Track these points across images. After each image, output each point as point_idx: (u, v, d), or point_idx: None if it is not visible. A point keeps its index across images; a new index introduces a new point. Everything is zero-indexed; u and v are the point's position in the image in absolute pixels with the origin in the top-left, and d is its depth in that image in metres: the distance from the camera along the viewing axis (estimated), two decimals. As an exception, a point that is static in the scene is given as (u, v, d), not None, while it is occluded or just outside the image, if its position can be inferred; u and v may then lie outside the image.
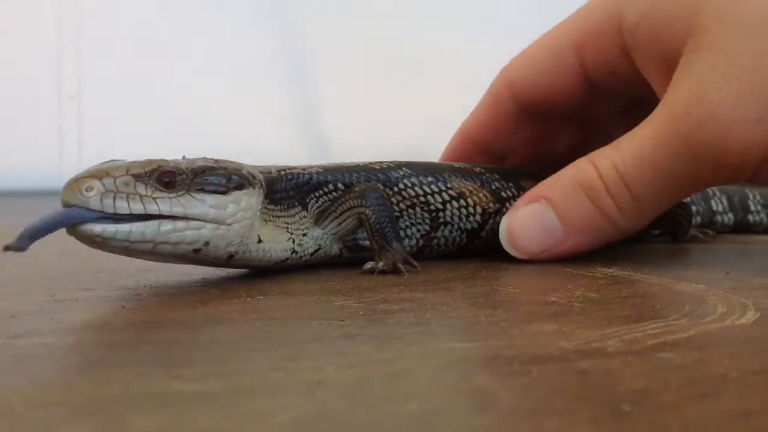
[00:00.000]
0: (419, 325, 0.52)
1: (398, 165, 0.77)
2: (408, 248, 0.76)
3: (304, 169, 0.74)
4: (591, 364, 0.43)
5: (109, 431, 0.33)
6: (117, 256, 0.62)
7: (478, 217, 0.79)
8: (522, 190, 0.81)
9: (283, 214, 0.71)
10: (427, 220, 0.77)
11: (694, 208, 0.93)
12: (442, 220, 0.78)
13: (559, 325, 0.52)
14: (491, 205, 0.80)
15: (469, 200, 0.79)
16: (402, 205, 0.77)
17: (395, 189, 0.76)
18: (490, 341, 0.48)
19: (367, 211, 0.70)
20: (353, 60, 1.70)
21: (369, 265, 0.69)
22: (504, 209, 0.80)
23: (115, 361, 0.43)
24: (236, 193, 0.64)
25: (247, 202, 0.64)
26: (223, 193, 0.63)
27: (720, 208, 0.98)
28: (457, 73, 1.73)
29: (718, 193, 1.00)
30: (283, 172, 0.73)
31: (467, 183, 0.79)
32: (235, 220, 0.63)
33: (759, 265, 0.77)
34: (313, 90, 1.69)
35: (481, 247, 0.80)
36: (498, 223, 0.78)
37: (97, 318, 0.52)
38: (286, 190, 0.72)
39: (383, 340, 0.48)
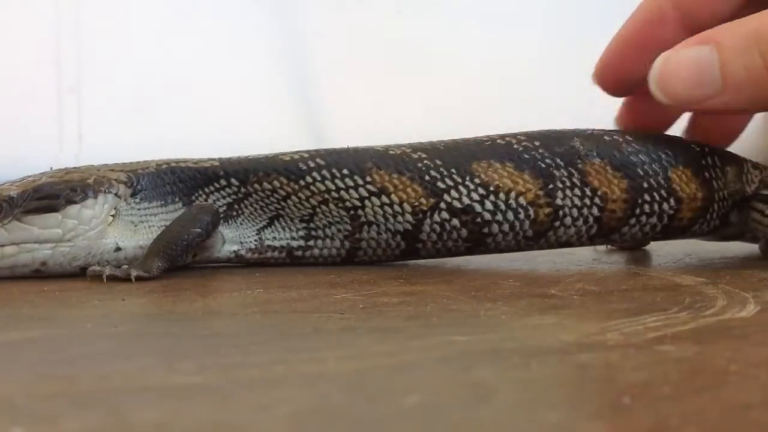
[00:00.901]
0: (419, 318, 0.52)
1: (311, 155, 0.68)
2: (334, 250, 0.68)
3: (195, 163, 0.68)
4: (591, 357, 0.43)
5: (109, 423, 0.33)
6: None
7: (408, 217, 0.67)
8: (471, 174, 0.67)
9: (159, 211, 0.66)
10: (346, 219, 0.67)
11: None
12: (363, 219, 0.67)
13: (559, 318, 0.52)
14: (423, 201, 0.67)
15: (393, 197, 0.67)
16: (312, 201, 0.68)
17: (302, 183, 0.67)
18: (489, 334, 0.48)
19: (174, 225, 0.64)
20: (354, 51, 1.69)
21: (97, 267, 0.63)
22: (443, 203, 0.67)
23: (115, 353, 0.43)
24: (71, 208, 0.62)
25: (90, 213, 0.62)
26: (56, 210, 0.61)
27: None
28: (458, 64, 1.72)
29: None
30: (164, 167, 0.68)
31: (393, 176, 0.67)
32: (75, 235, 0.62)
33: (760, 257, 0.77)
34: (314, 80, 1.69)
35: (432, 252, 0.69)
36: (440, 222, 0.67)
37: (96, 311, 0.52)
38: (165, 185, 0.66)
39: (383, 332, 0.48)
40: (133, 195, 0.65)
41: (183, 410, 0.34)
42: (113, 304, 0.54)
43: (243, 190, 0.67)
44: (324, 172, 0.67)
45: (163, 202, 0.66)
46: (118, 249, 0.64)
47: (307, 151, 0.68)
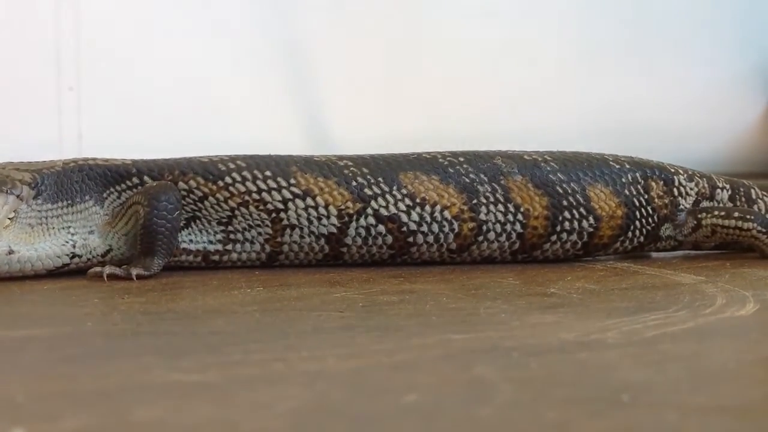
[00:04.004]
0: (419, 317, 0.52)
1: (232, 158, 0.66)
2: (254, 254, 0.66)
3: (106, 161, 0.66)
4: (590, 356, 0.43)
5: (110, 422, 0.33)
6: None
7: (333, 220, 0.65)
8: (398, 185, 0.66)
9: (64, 212, 0.63)
10: (268, 222, 0.65)
11: None
12: (285, 222, 0.65)
13: (559, 316, 0.52)
14: (350, 205, 0.65)
15: (318, 199, 0.65)
16: (231, 203, 0.64)
17: (220, 183, 0.64)
18: (489, 332, 0.48)
19: (141, 211, 0.62)
20: (355, 52, 1.69)
21: (98, 268, 0.61)
22: (369, 209, 0.65)
23: (116, 352, 0.43)
24: None
25: None
26: None
27: None
28: (460, 66, 1.72)
29: None
30: (71, 165, 0.64)
31: (319, 179, 0.65)
32: None
33: (759, 256, 0.77)
34: (314, 81, 1.69)
35: (356, 258, 0.67)
36: (366, 227, 0.65)
37: (96, 309, 0.53)
38: (73, 184, 0.63)
39: (383, 331, 0.48)
40: (35, 197, 0.62)
41: (183, 408, 0.34)
42: (113, 303, 0.54)
43: None
44: (245, 173, 0.65)
45: (69, 202, 0.63)
46: (10, 252, 0.60)
47: (227, 155, 0.66)
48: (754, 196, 0.78)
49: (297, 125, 1.66)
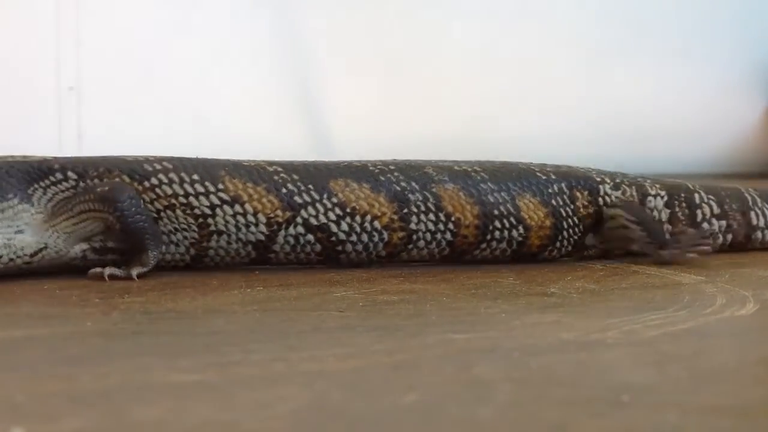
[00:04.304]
0: (419, 316, 0.52)
1: (158, 159, 0.64)
2: (178, 256, 0.65)
3: (25, 158, 0.64)
4: (590, 356, 0.43)
5: (109, 422, 0.33)
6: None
7: (262, 227, 0.64)
8: (329, 192, 0.65)
9: None
10: (194, 227, 0.63)
11: (724, 223, 0.76)
12: (213, 228, 0.63)
13: (559, 316, 0.52)
14: (279, 213, 0.64)
15: (247, 206, 0.64)
16: (157, 205, 0.63)
17: (147, 184, 0.63)
18: (489, 332, 0.48)
19: (111, 218, 0.61)
20: (357, 52, 1.69)
21: (98, 269, 0.61)
22: (299, 218, 0.64)
23: (116, 352, 0.43)
24: None
25: None
26: None
27: (762, 223, 0.78)
28: (461, 66, 1.72)
29: (759, 203, 0.78)
30: None
31: (248, 185, 0.64)
32: None
33: (759, 256, 0.77)
34: (316, 81, 1.69)
35: (283, 262, 0.66)
36: (295, 236, 0.64)
37: (96, 309, 0.52)
38: None
39: (383, 331, 0.49)
40: None
41: (183, 408, 0.34)
42: (113, 302, 0.54)
43: (82, 184, 0.63)
44: (171, 175, 0.63)
45: None
46: None
47: (154, 156, 0.65)
48: (698, 201, 0.75)
49: (297, 126, 1.66)
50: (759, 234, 0.78)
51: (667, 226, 0.74)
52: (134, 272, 0.61)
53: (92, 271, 0.61)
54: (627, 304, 0.57)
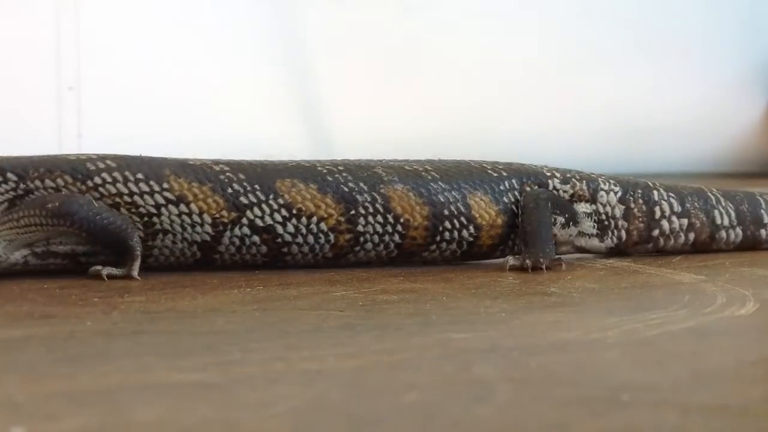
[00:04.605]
0: (419, 316, 0.52)
1: (101, 157, 0.63)
2: None
3: None
4: (590, 355, 0.43)
5: (109, 421, 0.33)
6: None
7: (208, 228, 0.63)
8: (275, 193, 0.64)
9: None
10: (139, 226, 0.62)
11: (685, 222, 0.75)
12: (158, 227, 0.63)
13: (559, 315, 0.52)
14: (224, 213, 0.63)
15: (193, 206, 0.63)
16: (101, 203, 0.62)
17: (90, 184, 0.62)
18: (489, 332, 0.48)
19: (72, 230, 0.60)
20: (354, 51, 1.69)
21: (98, 267, 0.61)
22: (245, 218, 0.64)
23: (115, 351, 0.43)
24: None
25: None
26: None
27: (726, 222, 0.77)
28: (459, 65, 1.72)
29: (723, 201, 0.77)
30: None
31: (193, 185, 0.63)
32: None
33: (759, 256, 0.77)
34: (313, 80, 1.69)
35: (228, 263, 0.65)
36: (241, 237, 0.64)
37: (96, 309, 0.52)
38: None
39: (383, 330, 0.49)
40: None
41: (183, 407, 0.34)
42: (113, 302, 0.54)
43: (23, 186, 0.61)
44: (115, 174, 0.62)
45: None
46: None
47: (97, 154, 0.64)
48: (656, 197, 0.74)
49: (297, 125, 1.66)
50: (723, 233, 0.77)
51: (623, 223, 0.73)
52: (134, 271, 0.61)
53: (92, 269, 0.61)
54: (627, 303, 0.57)
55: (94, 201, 0.61)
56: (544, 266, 0.66)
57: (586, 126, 1.76)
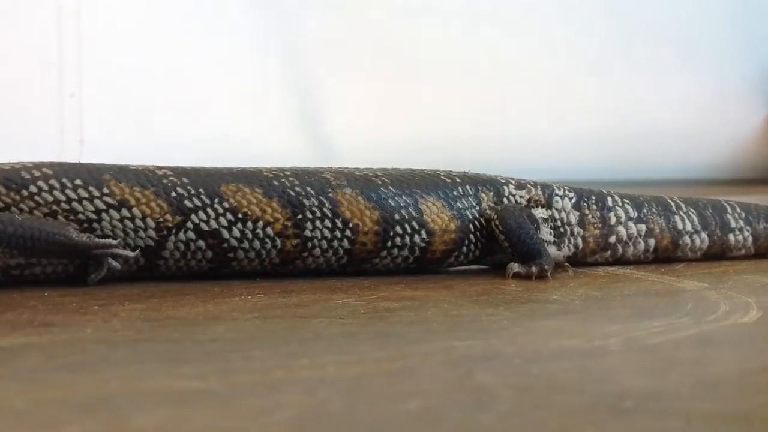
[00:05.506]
0: (420, 323, 0.52)
1: (37, 165, 0.62)
2: (60, 267, 0.62)
3: None
4: (593, 362, 0.43)
5: (110, 429, 0.33)
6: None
7: (151, 232, 0.62)
8: (220, 197, 0.63)
9: None
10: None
11: (643, 227, 0.75)
12: (99, 233, 0.61)
13: (561, 323, 0.52)
14: (168, 217, 0.62)
15: (135, 210, 0.62)
16: (37, 213, 0.60)
17: (24, 193, 0.60)
18: (491, 339, 0.48)
19: (16, 251, 0.59)
20: (355, 57, 1.69)
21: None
22: (190, 222, 0.62)
23: (116, 358, 0.43)
24: None
25: None
26: None
27: (689, 227, 0.77)
28: (460, 70, 1.72)
29: (684, 207, 0.77)
30: None
31: (135, 189, 0.62)
32: None
33: (762, 264, 0.77)
34: (314, 86, 1.69)
35: (173, 270, 0.64)
36: (185, 242, 0.62)
37: (96, 316, 0.52)
38: None
39: (384, 338, 0.48)
40: None
41: (183, 415, 0.34)
42: (113, 309, 0.54)
43: None
44: (52, 181, 0.61)
45: None
46: None
47: (32, 162, 0.62)
48: (610, 204, 0.75)
49: (297, 132, 1.66)
50: (687, 239, 0.77)
51: (579, 230, 0.73)
52: (94, 277, 0.61)
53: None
54: (629, 311, 0.57)
55: (14, 215, 0.59)
56: (548, 273, 0.66)
57: (586, 133, 1.76)
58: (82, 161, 0.66)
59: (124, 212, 0.62)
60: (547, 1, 1.78)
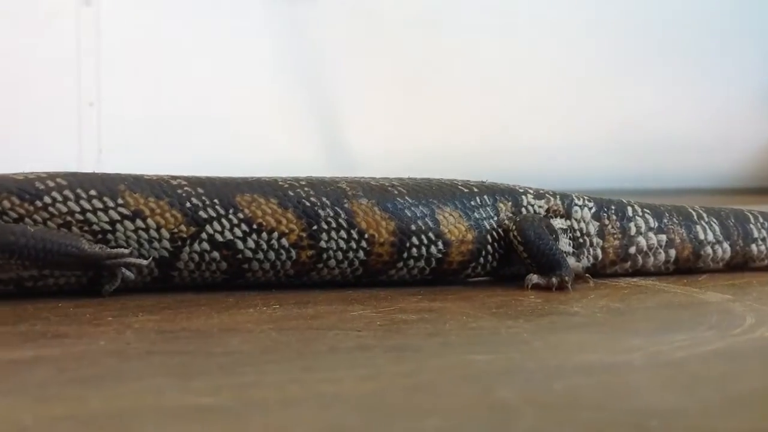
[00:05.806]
0: (438, 336, 0.51)
1: (51, 176, 0.61)
2: (74, 279, 0.61)
3: None
4: (616, 378, 0.42)
5: (119, 446, 0.32)
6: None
7: (166, 243, 0.61)
8: (235, 207, 0.63)
9: None
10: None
11: (663, 238, 0.73)
12: (113, 244, 0.60)
13: (583, 336, 0.51)
14: (183, 228, 0.61)
15: (150, 221, 0.61)
16: (51, 224, 0.60)
17: (38, 204, 0.60)
18: (511, 353, 0.47)
19: (26, 262, 0.58)
20: (374, 69, 1.69)
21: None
22: (204, 233, 0.62)
23: (127, 372, 0.43)
24: None
25: None
26: None
27: (711, 237, 0.75)
28: (479, 82, 1.72)
29: (705, 217, 0.76)
30: None
31: (150, 199, 0.62)
32: None
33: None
34: (334, 99, 1.69)
35: (187, 281, 0.63)
36: (200, 253, 0.62)
37: (109, 328, 0.52)
38: None
39: (401, 351, 0.47)
40: None
41: (195, 432, 0.33)
42: (127, 321, 0.53)
43: None
44: (66, 192, 0.60)
45: None
46: None
47: (46, 172, 0.62)
48: (630, 213, 0.73)
49: (316, 141, 1.66)
50: (709, 249, 0.75)
51: (598, 240, 0.72)
52: (108, 288, 0.60)
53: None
54: (653, 324, 0.56)
55: (25, 224, 0.59)
56: (569, 284, 0.65)
57: (604, 142, 1.75)
58: (100, 171, 0.65)
59: (139, 223, 0.61)
60: (565, 13, 1.77)
